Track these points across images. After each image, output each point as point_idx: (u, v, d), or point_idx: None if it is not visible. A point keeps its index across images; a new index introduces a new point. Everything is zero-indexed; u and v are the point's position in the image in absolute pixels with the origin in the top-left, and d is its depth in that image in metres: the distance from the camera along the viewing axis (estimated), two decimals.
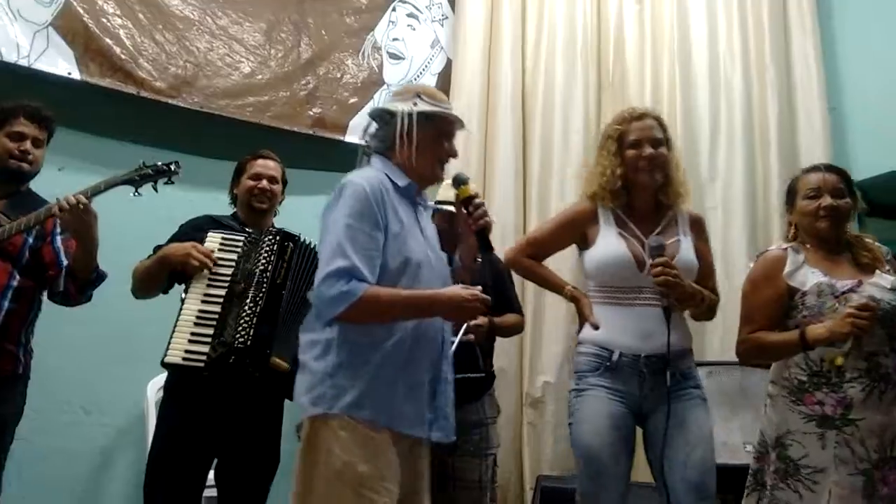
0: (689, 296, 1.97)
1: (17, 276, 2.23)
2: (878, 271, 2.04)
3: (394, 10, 3.88)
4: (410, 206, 1.82)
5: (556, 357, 3.44)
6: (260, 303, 2.17)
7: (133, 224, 2.69)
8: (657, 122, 2.12)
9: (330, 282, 1.63)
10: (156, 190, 2.24)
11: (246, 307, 2.16)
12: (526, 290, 3.20)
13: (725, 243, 3.68)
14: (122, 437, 3.10)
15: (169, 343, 2.17)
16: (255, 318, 2.15)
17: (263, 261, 2.22)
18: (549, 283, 2.27)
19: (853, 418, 1.95)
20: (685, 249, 2.05)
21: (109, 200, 2.67)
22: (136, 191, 2.20)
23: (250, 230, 2.33)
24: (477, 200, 1.83)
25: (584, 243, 2.13)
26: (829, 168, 2.19)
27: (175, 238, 2.35)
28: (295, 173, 3.60)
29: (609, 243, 2.07)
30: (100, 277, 2.32)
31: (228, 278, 2.22)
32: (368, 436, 1.63)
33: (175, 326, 2.19)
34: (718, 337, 3.56)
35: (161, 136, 3.34)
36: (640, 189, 2.10)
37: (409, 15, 3.91)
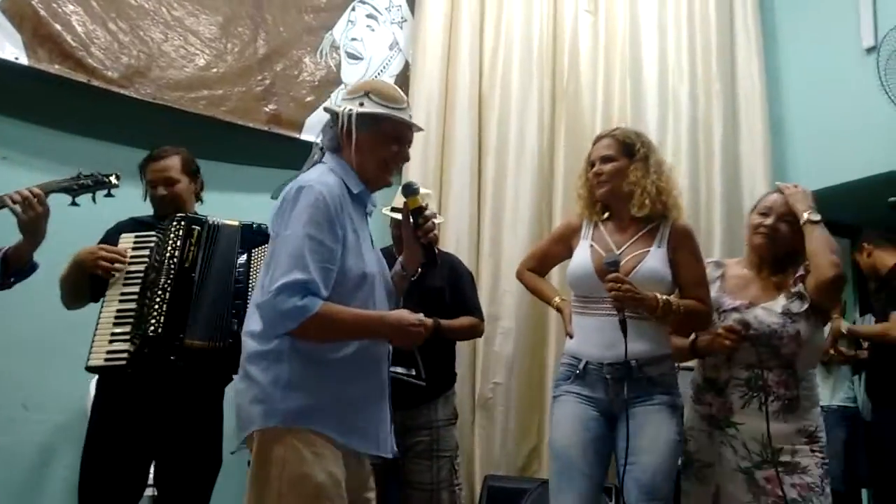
0: (650, 308, 2.02)
1: None
2: (781, 296, 2.16)
3: (353, 9, 3.87)
4: (363, 214, 1.81)
5: (507, 359, 3.50)
6: (168, 289, 2.14)
7: (83, 218, 2.62)
8: (614, 139, 2.21)
9: (285, 294, 1.58)
10: (94, 200, 2.18)
11: (157, 296, 2.14)
12: (481, 293, 3.24)
13: None
14: (62, 433, 3.02)
15: (92, 346, 2.13)
16: (164, 306, 2.12)
17: (170, 247, 2.19)
18: (542, 295, 2.39)
19: (734, 422, 2.12)
20: (650, 260, 2.08)
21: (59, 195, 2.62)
22: (73, 200, 2.14)
23: (163, 225, 2.28)
24: (427, 212, 1.82)
25: (570, 255, 2.26)
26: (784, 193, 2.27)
27: (100, 243, 2.29)
28: (250, 170, 3.61)
29: (579, 255, 2.19)
30: (32, 267, 2.21)
31: (142, 274, 2.19)
32: (324, 447, 1.62)
33: (96, 328, 2.15)
34: None
35: (111, 129, 3.27)
36: (609, 203, 2.23)
37: (369, 16, 3.91)
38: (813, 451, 2.07)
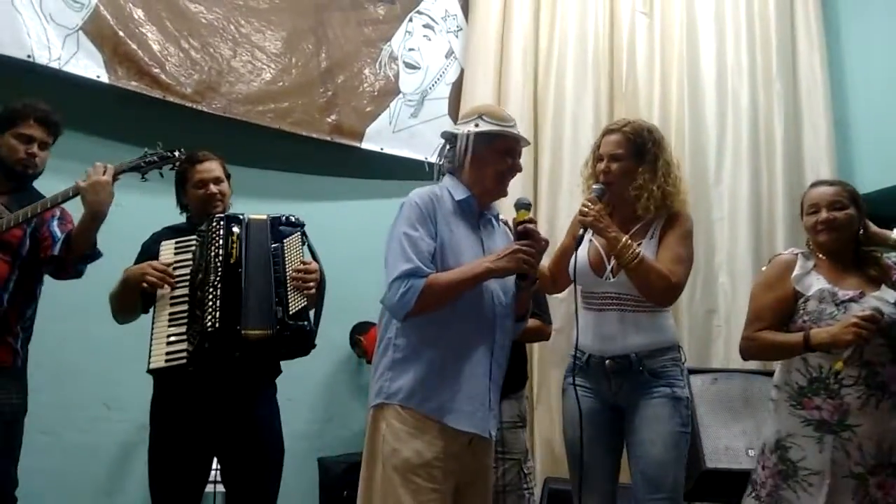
0: (610, 242, 2.07)
1: (17, 270, 2.30)
2: (883, 286, 2.11)
3: (410, 20, 3.97)
4: (468, 218, 1.97)
5: (564, 360, 3.51)
6: (219, 285, 2.21)
7: (153, 224, 2.78)
8: (625, 137, 2.17)
9: (396, 285, 1.81)
10: (161, 175, 2.35)
11: (209, 294, 2.21)
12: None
13: (730, 254, 3.78)
14: (142, 433, 3.18)
15: (150, 350, 2.23)
16: (218, 301, 2.19)
17: (215, 247, 2.27)
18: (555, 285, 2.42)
19: (850, 424, 2.04)
20: (643, 251, 2.11)
21: (132, 201, 2.77)
22: (143, 177, 2.32)
23: (202, 228, 2.36)
24: (530, 227, 1.90)
25: None
26: (828, 182, 2.27)
27: (138, 257, 2.41)
28: (313, 179, 3.74)
29: (580, 249, 2.21)
30: (94, 255, 2.39)
31: (188, 276, 2.28)
32: (417, 425, 1.81)
33: (152, 333, 2.24)
34: (723, 345, 3.66)
35: (182, 143, 3.43)
36: (612, 200, 2.22)
37: (426, 26, 4.00)
38: None
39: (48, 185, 2.52)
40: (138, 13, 3.34)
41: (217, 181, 2.44)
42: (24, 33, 3.09)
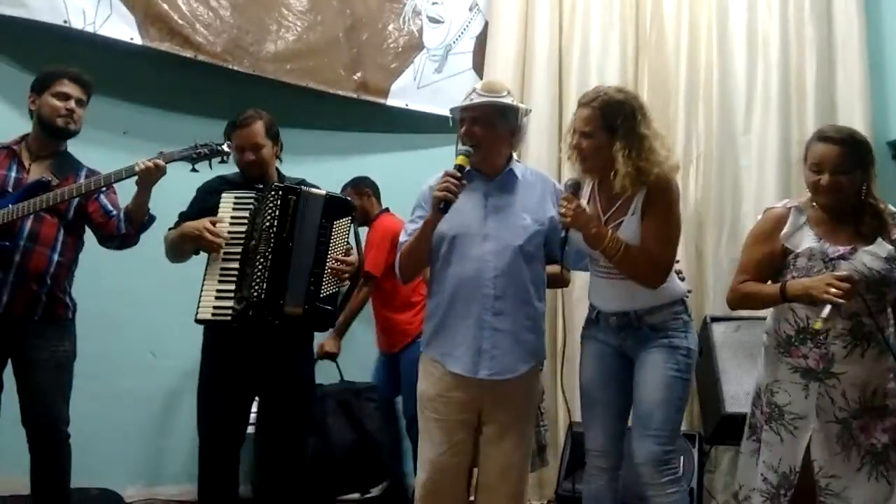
0: (595, 238, 2.10)
1: (63, 231, 2.47)
2: (879, 239, 2.09)
3: None
4: (475, 185, 2.22)
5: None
6: (269, 257, 2.33)
7: (193, 182, 2.90)
8: (593, 111, 2.13)
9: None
10: (210, 167, 2.48)
11: (258, 263, 2.34)
12: None
13: (757, 202, 3.73)
14: (186, 380, 3.37)
15: (199, 300, 2.38)
16: (266, 273, 2.33)
17: (269, 216, 2.36)
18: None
19: (835, 372, 2.08)
20: (622, 231, 2.14)
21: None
22: (193, 167, 2.45)
23: (260, 186, 2.46)
24: (448, 170, 2.14)
25: None
26: (835, 139, 2.11)
27: (193, 203, 2.53)
28: (339, 135, 3.81)
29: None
30: (151, 219, 2.55)
31: (243, 236, 2.39)
32: (429, 367, 2.24)
33: (203, 284, 2.39)
34: None
35: (211, 102, 3.53)
36: (593, 174, 2.22)
37: None
38: None
39: (86, 149, 2.65)
40: None
41: (255, 148, 2.49)
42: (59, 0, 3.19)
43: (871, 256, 2.08)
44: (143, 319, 3.38)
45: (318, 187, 2.53)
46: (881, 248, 2.09)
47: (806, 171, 2.17)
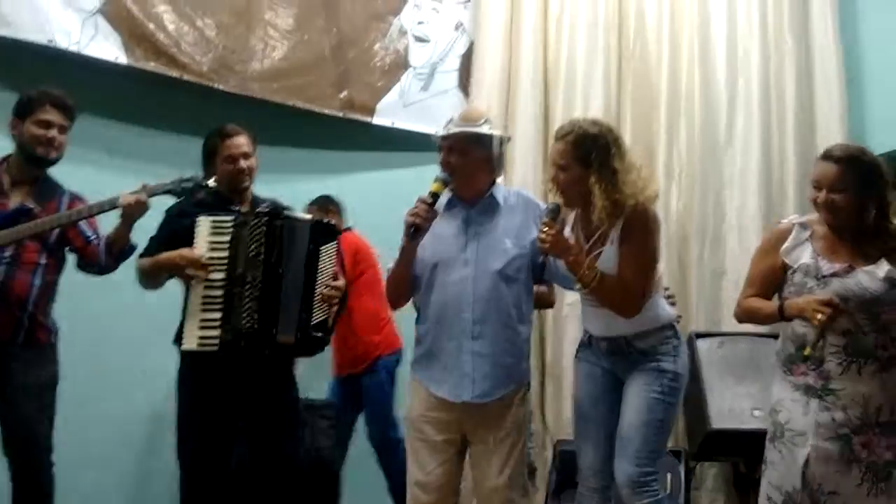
0: (573, 265, 2.13)
1: (45, 257, 2.45)
2: (883, 260, 2.10)
3: None
4: (455, 212, 2.28)
5: (575, 329, 3.60)
6: (259, 286, 2.29)
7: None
8: (567, 145, 2.17)
9: None
10: (189, 192, 2.43)
11: (247, 291, 2.29)
12: None
13: (740, 215, 3.79)
14: (172, 401, 3.36)
15: (184, 330, 2.33)
16: (257, 302, 2.29)
17: (256, 243, 2.31)
18: None
19: (833, 388, 2.10)
20: (602, 261, 2.17)
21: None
22: (187, 195, 2.42)
23: (237, 208, 2.42)
24: (422, 195, 2.19)
25: None
26: (834, 157, 2.14)
27: (163, 226, 2.47)
28: (326, 153, 3.83)
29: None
30: (131, 249, 2.53)
31: (226, 262, 2.33)
32: (415, 388, 2.30)
33: (184, 314, 2.33)
34: (732, 306, 3.67)
35: (198, 121, 3.53)
36: (573, 205, 2.26)
37: None
38: None
39: (70, 169, 2.61)
40: None
41: (246, 156, 2.49)
42: (44, 18, 3.19)
43: (867, 276, 2.08)
44: (127, 339, 3.35)
45: (291, 208, 2.53)
46: (880, 268, 2.09)
47: (809, 189, 2.21)
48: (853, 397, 2.08)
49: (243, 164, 2.48)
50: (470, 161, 2.24)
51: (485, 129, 2.27)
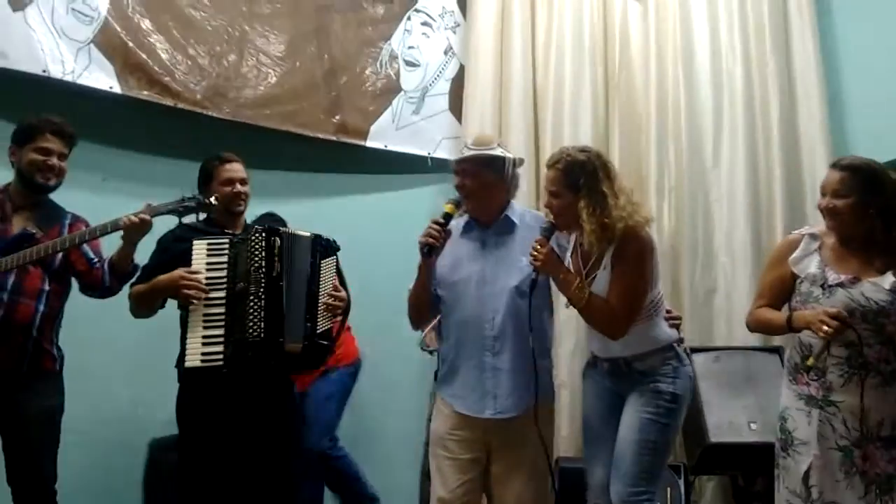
0: (563, 284, 2.21)
1: (49, 282, 2.45)
2: (890, 273, 2.14)
3: (409, 18, 4.06)
4: (472, 234, 2.38)
5: (571, 347, 3.63)
6: (262, 297, 2.33)
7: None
8: (557, 173, 2.24)
9: None
10: (197, 220, 2.47)
11: (251, 303, 2.33)
12: None
13: (729, 234, 3.85)
14: (172, 429, 3.34)
15: (183, 350, 2.33)
16: (262, 312, 2.32)
17: (256, 258, 2.35)
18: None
19: (833, 400, 2.13)
20: (596, 284, 2.23)
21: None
22: (180, 221, 2.44)
23: (230, 232, 2.46)
24: (437, 217, 2.29)
25: None
26: (840, 166, 2.22)
27: (157, 253, 2.48)
28: (320, 177, 3.86)
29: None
30: (135, 269, 2.53)
31: (224, 281, 2.35)
32: (440, 407, 2.36)
33: (186, 333, 2.33)
34: (724, 323, 3.75)
35: (193, 148, 3.55)
36: (568, 229, 2.32)
37: (424, 23, 4.09)
38: None
39: (67, 194, 2.63)
40: (146, 23, 3.46)
41: (243, 182, 2.56)
42: (38, 49, 3.21)
43: (873, 287, 2.12)
44: (123, 368, 3.33)
45: (286, 223, 2.60)
46: (885, 280, 2.13)
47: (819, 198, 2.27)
48: (852, 410, 2.10)
49: (240, 188, 2.54)
50: (484, 183, 2.33)
51: (497, 152, 2.35)
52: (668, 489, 2.79)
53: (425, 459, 2.88)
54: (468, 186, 2.32)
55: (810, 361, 2.10)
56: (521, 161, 2.45)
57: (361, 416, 3.68)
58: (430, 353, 2.77)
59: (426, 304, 2.36)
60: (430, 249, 2.22)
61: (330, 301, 2.45)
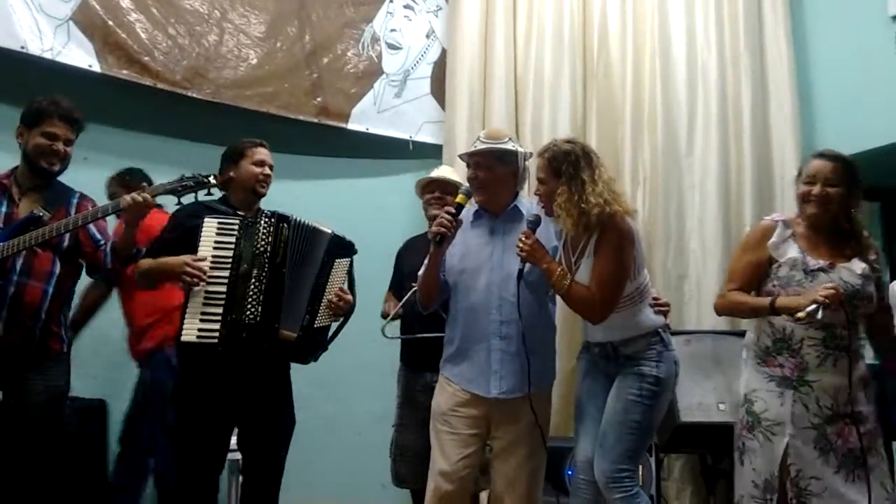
0: (547, 273, 2.27)
1: (59, 264, 2.44)
2: (855, 259, 2.26)
3: (391, 1, 4.07)
4: (482, 224, 2.45)
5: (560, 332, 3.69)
6: (264, 281, 2.35)
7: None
8: (543, 161, 2.34)
9: None
10: (196, 199, 2.45)
11: (251, 286, 2.34)
12: None
13: (701, 221, 3.95)
14: None
15: (182, 323, 2.34)
16: (261, 296, 2.34)
17: (262, 242, 2.37)
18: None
19: (808, 380, 2.23)
20: (580, 272, 2.30)
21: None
22: (179, 200, 2.43)
23: (242, 213, 2.46)
24: (448, 206, 2.38)
25: None
26: (829, 157, 2.32)
27: (169, 228, 2.49)
28: (302, 159, 3.86)
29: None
30: (138, 252, 2.52)
31: (230, 261, 2.36)
32: (443, 384, 2.44)
33: (185, 307, 2.34)
34: (695, 307, 3.86)
35: (173, 128, 3.55)
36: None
37: (406, 6, 4.11)
38: (867, 397, 2.23)
39: None
40: (126, 2, 3.43)
41: (271, 167, 2.56)
42: (16, 25, 3.17)
43: (848, 272, 2.25)
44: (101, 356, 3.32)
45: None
46: (856, 265, 2.26)
47: (799, 184, 2.34)
48: (825, 389, 2.21)
49: (268, 171, 2.55)
50: (495, 176, 2.41)
51: (510, 146, 2.42)
52: (640, 467, 2.87)
53: (397, 437, 2.94)
54: (480, 178, 2.40)
55: (801, 315, 2.12)
56: (531, 154, 2.49)
57: (334, 394, 3.73)
58: (390, 338, 2.80)
59: (437, 288, 2.44)
60: (442, 238, 2.30)
61: (334, 300, 2.47)
